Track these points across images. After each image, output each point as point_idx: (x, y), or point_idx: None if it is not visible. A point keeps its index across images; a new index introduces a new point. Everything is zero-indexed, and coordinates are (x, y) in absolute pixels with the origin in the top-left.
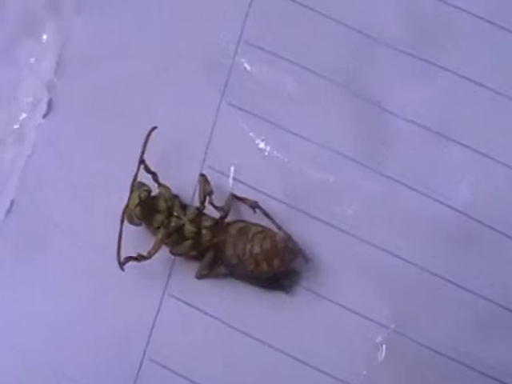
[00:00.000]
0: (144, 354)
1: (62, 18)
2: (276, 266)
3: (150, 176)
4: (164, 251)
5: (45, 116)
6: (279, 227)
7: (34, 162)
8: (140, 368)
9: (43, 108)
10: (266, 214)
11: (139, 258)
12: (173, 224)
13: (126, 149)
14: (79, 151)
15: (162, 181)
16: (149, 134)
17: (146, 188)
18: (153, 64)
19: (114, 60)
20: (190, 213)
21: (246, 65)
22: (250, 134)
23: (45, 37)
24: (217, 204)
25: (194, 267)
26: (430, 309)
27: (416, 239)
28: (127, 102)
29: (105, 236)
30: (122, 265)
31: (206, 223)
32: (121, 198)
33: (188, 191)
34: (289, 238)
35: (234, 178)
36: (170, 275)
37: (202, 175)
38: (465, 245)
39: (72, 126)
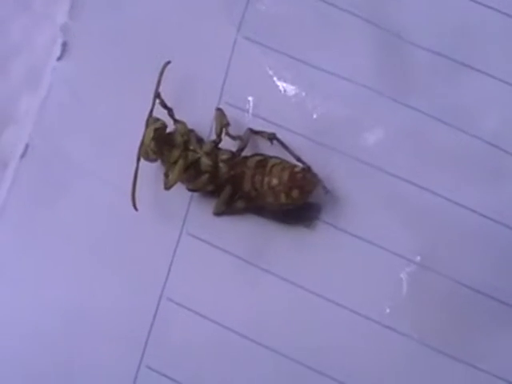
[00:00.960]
0: (162, 293)
1: None
2: (295, 197)
3: (165, 112)
4: (180, 189)
5: (59, 59)
6: (298, 159)
7: (50, 104)
8: (158, 307)
9: (58, 51)
10: (285, 146)
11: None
12: (189, 158)
13: (143, 87)
14: (95, 92)
15: (177, 117)
16: (163, 69)
17: (161, 122)
18: (170, 2)
19: (129, 0)
20: (207, 146)
21: None
22: (268, 68)
23: None
24: (236, 134)
25: (211, 204)
26: (456, 241)
27: (442, 171)
28: (143, 41)
29: (124, 176)
30: (135, 203)
31: (223, 156)
32: (138, 136)
33: (205, 127)
34: (308, 169)
35: (252, 113)
36: (187, 213)
37: (218, 109)
38: (494, 177)
39: (88, 68)
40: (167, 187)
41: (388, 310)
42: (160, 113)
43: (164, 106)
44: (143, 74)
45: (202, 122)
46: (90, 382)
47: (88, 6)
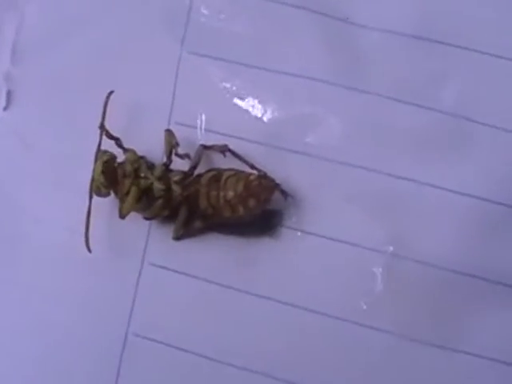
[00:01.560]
0: (127, 329)
1: (14, 4)
2: (252, 206)
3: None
4: (137, 219)
5: (5, 109)
6: (252, 166)
7: (0, 156)
8: (125, 344)
9: (3, 100)
10: (238, 156)
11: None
12: (141, 185)
13: (91, 123)
14: (44, 138)
15: (127, 145)
16: (106, 100)
17: (108, 154)
18: (108, 30)
19: (70, 36)
20: (157, 170)
21: (202, 9)
22: (216, 79)
23: None
24: (184, 153)
25: (170, 230)
26: (427, 223)
27: (405, 152)
28: (87, 76)
29: (78, 216)
30: (88, 243)
31: (175, 178)
32: (89, 174)
33: (157, 151)
34: (263, 175)
35: (205, 129)
36: (146, 243)
37: (167, 130)
38: (458, 148)
39: (35, 114)
40: (122, 216)
41: (365, 307)
42: (111, 146)
43: (110, 136)
44: (90, 109)
45: (153, 146)
46: None
47: (29, 50)
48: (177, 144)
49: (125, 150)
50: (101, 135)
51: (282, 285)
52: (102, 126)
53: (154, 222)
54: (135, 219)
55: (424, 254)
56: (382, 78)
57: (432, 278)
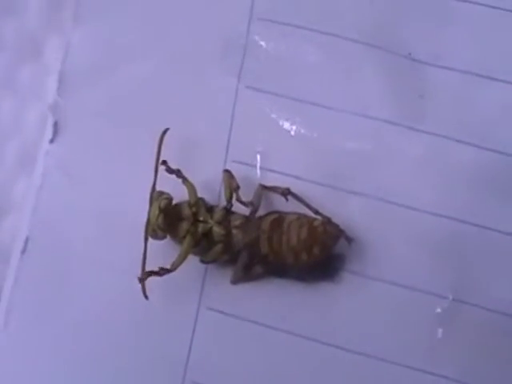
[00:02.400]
0: (184, 377)
1: (60, 33)
2: (317, 253)
3: (171, 184)
4: (193, 261)
5: (52, 141)
6: (316, 211)
7: (45, 192)
8: None
9: (49, 132)
10: (300, 200)
11: (161, 272)
12: (200, 230)
13: (142, 160)
14: (92, 172)
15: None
16: (162, 137)
17: (166, 196)
18: (160, 63)
19: (120, 67)
20: (217, 214)
21: (260, 42)
22: (273, 115)
23: (44, 56)
24: (245, 199)
25: (228, 272)
26: (490, 268)
27: (467, 194)
28: (138, 109)
29: (131, 257)
30: (144, 290)
31: (236, 222)
32: (142, 213)
33: (214, 191)
34: (328, 221)
35: (262, 167)
36: (203, 286)
37: (226, 171)
38: None
39: (81, 147)
40: (172, 268)
41: (425, 354)
42: (163, 184)
43: (170, 171)
44: (141, 145)
45: (210, 184)
46: None
47: (76, 80)
48: (237, 187)
49: (185, 181)
50: (155, 175)
51: (343, 330)
52: (158, 165)
53: (211, 265)
54: (192, 261)
55: (487, 300)
56: (441, 117)
57: (495, 325)
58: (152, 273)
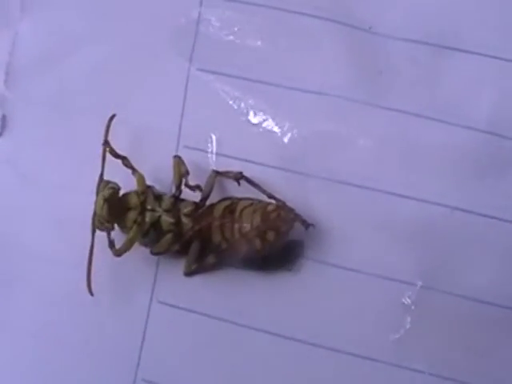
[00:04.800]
0: (136, 374)
1: (6, 24)
2: (271, 240)
3: (122, 174)
4: (144, 253)
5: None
6: (270, 195)
7: None
8: None
9: None
10: (254, 184)
11: (111, 244)
12: (147, 219)
13: (94, 151)
14: (42, 166)
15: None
16: (108, 124)
17: (111, 185)
18: (110, 49)
19: (69, 56)
20: (166, 202)
21: (212, 23)
22: (227, 98)
23: None
24: (195, 184)
25: (180, 264)
26: (460, 253)
27: (437, 176)
28: (89, 98)
29: (80, 253)
30: (89, 284)
31: (185, 210)
32: (92, 206)
33: (166, 179)
34: (282, 205)
35: (215, 153)
36: (155, 280)
37: (176, 156)
38: (496, 170)
39: (31, 140)
40: (116, 253)
41: (393, 345)
42: (114, 174)
43: (116, 155)
44: (92, 135)
45: (161, 173)
46: None
47: (24, 72)
48: (187, 173)
49: (133, 171)
50: (103, 163)
51: (304, 322)
52: (105, 143)
53: (162, 257)
54: (143, 254)
55: (457, 286)
56: (409, 92)
57: (466, 311)
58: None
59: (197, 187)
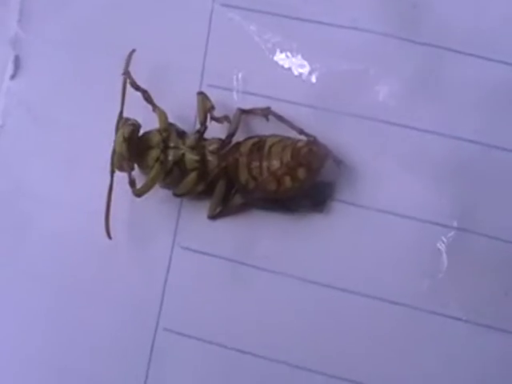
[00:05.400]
0: (157, 323)
1: None
2: (302, 177)
3: (142, 114)
4: (166, 196)
5: (13, 77)
6: (301, 131)
7: (7, 132)
8: (154, 341)
9: (10, 68)
10: (283, 119)
11: (132, 182)
12: (170, 157)
13: (111, 92)
14: (57, 109)
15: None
16: (129, 58)
17: (131, 122)
18: None
19: None
20: (190, 139)
21: None
22: (253, 34)
23: None
24: (222, 115)
25: (204, 207)
26: (496, 193)
27: (472, 112)
28: (105, 36)
29: (99, 198)
30: (108, 227)
31: (211, 147)
32: (110, 148)
33: (189, 118)
34: (313, 141)
35: (240, 91)
36: (177, 224)
37: (200, 92)
38: None
39: (46, 82)
40: (137, 193)
41: (427, 290)
42: (134, 115)
43: (136, 87)
44: (110, 75)
45: (184, 112)
46: None
47: (39, 11)
48: (212, 107)
49: (154, 107)
50: (122, 100)
51: (334, 268)
52: (125, 73)
53: (185, 200)
54: (164, 197)
55: (494, 228)
56: (443, 26)
57: (503, 254)
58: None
59: (225, 118)
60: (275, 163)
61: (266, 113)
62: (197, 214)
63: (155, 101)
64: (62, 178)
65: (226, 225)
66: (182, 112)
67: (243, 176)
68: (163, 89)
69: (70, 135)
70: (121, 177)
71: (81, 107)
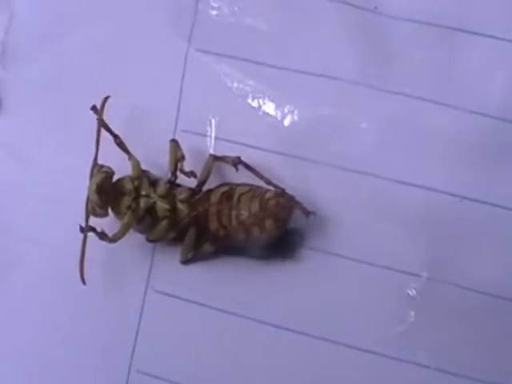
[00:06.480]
0: (130, 364)
1: (2, 2)
2: (270, 228)
3: (118, 159)
4: (140, 241)
5: None
6: (269, 182)
7: None
8: (128, 381)
9: None
10: (252, 169)
11: (101, 235)
12: (142, 205)
13: (90, 133)
14: (38, 149)
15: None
16: (102, 105)
17: (105, 170)
18: (108, 29)
19: (66, 35)
20: (161, 187)
21: (212, 0)
22: (227, 80)
23: None
24: (190, 170)
25: (177, 253)
26: (468, 244)
27: (445, 163)
28: (86, 79)
29: (74, 239)
30: (82, 272)
31: (181, 196)
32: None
33: (163, 163)
34: (281, 192)
35: (215, 137)
36: (151, 268)
37: (172, 140)
38: (506, 158)
39: (27, 122)
40: (113, 238)
41: (397, 338)
42: (109, 159)
43: (110, 131)
44: (88, 116)
45: (158, 157)
46: None
47: (20, 52)
48: (182, 158)
49: (129, 156)
50: (97, 146)
51: (305, 314)
52: (99, 120)
53: (159, 245)
54: (138, 242)
55: (464, 278)
56: (416, 76)
57: (473, 304)
58: (92, 229)
59: (191, 173)
60: (244, 213)
61: (236, 162)
62: (170, 259)
63: (130, 145)
64: (41, 216)
65: (199, 269)
66: (156, 157)
67: (213, 224)
68: (138, 133)
69: (50, 174)
70: (97, 222)
71: (62, 148)
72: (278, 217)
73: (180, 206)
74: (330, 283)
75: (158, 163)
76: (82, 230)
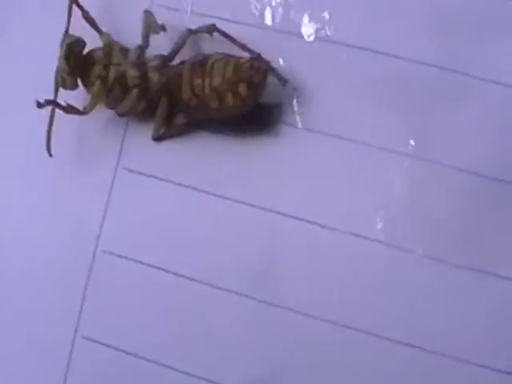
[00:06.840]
0: (96, 246)
1: None
2: (244, 94)
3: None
4: (113, 119)
5: None
6: (244, 47)
7: None
8: (93, 262)
9: None
10: (227, 36)
11: (68, 108)
12: (112, 73)
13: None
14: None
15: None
16: None
17: (75, 37)
18: None
19: None
20: (132, 55)
21: None
22: None
23: None
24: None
25: (149, 131)
26: (452, 115)
27: (425, 30)
28: None
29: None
30: (49, 143)
31: (153, 63)
32: None
33: (136, 40)
34: (256, 57)
35: (191, 12)
36: (122, 146)
37: (146, 11)
38: (488, 29)
39: None
40: (82, 112)
41: (380, 224)
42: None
43: (78, 5)
44: None
45: (133, 33)
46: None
47: None
48: (163, 29)
49: (99, 32)
50: (69, 15)
51: (281, 194)
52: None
53: (130, 122)
54: (110, 119)
55: (448, 156)
56: None
57: (461, 182)
58: (57, 104)
59: (162, 27)
60: (217, 79)
61: (211, 29)
62: (143, 137)
63: (105, 24)
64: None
65: (172, 147)
66: (131, 32)
67: (186, 93)
68: (113, 8)
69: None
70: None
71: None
72: (252, 80)
73: (151, 73)
74: (308, 161)
75: (131, 40)
76: (45, 103)
